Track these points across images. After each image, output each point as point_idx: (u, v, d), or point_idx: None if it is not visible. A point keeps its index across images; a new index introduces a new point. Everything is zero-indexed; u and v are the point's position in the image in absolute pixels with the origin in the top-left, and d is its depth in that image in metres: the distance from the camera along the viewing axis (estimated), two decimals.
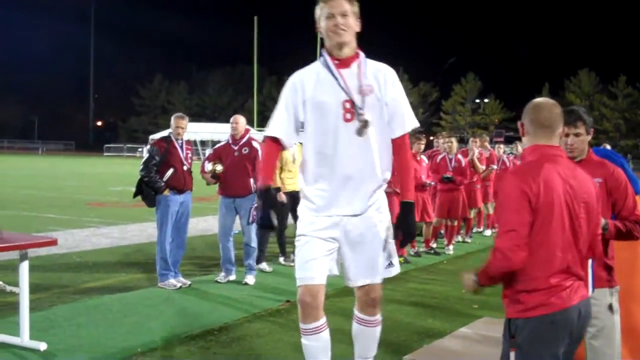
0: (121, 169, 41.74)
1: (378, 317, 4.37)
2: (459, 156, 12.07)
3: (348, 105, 4.02)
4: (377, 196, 4.20)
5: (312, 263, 4.09)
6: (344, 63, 4.09)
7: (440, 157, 11.97)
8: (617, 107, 75.82)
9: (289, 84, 4.19)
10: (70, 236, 12.08)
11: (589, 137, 4.14)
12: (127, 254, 10.66)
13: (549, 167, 3.15)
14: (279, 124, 4.20)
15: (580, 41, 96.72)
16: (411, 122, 4.20)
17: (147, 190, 8.29)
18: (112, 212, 16.61)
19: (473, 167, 12.89)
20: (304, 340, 4.21)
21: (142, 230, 13.22)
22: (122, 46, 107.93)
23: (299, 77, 4.17)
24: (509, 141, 52.85)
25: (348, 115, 4.02)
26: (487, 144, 14.40)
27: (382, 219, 4.21)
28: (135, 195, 8.52)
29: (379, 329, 4.40)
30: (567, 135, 4.07)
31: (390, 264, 4.24)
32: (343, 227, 4.13)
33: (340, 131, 4.03)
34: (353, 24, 4.11)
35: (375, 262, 4.20)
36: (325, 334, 4.22)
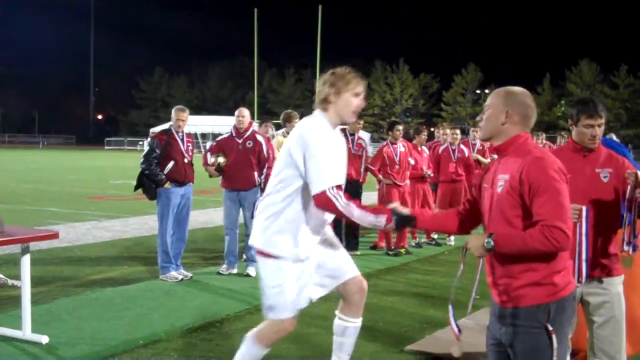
0: (122, 162, 41.76)
1: None
2: (462, 146, 12.05)
3: None
4: None
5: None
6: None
7: (442, 147, 11.94)
8: (619, 97, 75.56)
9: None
10: (71, 229, 12.08)
11: None
12: (128, 247, 10.67)
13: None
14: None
15: (581, 31, 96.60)
16: None
17: (148, 183, 8.28)
18: (113, 205, 16.61)
19: (479, 164, 12.88)
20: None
21: (143, 223, 13.22)
22: (122, 40, 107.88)
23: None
24: None
25: None
26: None
27: None
28: (136, 188, 8.51)
29: None
30: (591, 126, 4.07)
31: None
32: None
33: None
34: None
35: None
36: None
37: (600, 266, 4.02)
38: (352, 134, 10.55)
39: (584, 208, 3.83)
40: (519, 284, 3.16)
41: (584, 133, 4.09)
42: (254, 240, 4.25)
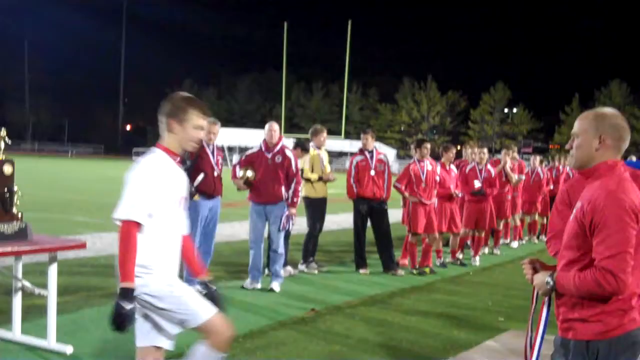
0: None
1: None
2: (489, 167, 12.00)
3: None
4: None
5: None
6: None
7: (469, 167, 11.89)
8: None
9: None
10: (98, 239, 12.15)
11: None
12: None
13: (633, 183, 3.03)
14: None
15: (611, 51, 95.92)
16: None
17: None
18: None
19: (506, 177, 12.89)
20: None
21: None
22: (152, 51, 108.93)
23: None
24: (538, 152, 52.17)
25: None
26: (515, 154, 14.36)
27: None
28: None
29: None
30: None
31: None
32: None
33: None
34: None
35: None
36: None
37: None
38: (370, 151, 10.51)
39: None
40: (572, 316, 3.07)
41: None
42: None
